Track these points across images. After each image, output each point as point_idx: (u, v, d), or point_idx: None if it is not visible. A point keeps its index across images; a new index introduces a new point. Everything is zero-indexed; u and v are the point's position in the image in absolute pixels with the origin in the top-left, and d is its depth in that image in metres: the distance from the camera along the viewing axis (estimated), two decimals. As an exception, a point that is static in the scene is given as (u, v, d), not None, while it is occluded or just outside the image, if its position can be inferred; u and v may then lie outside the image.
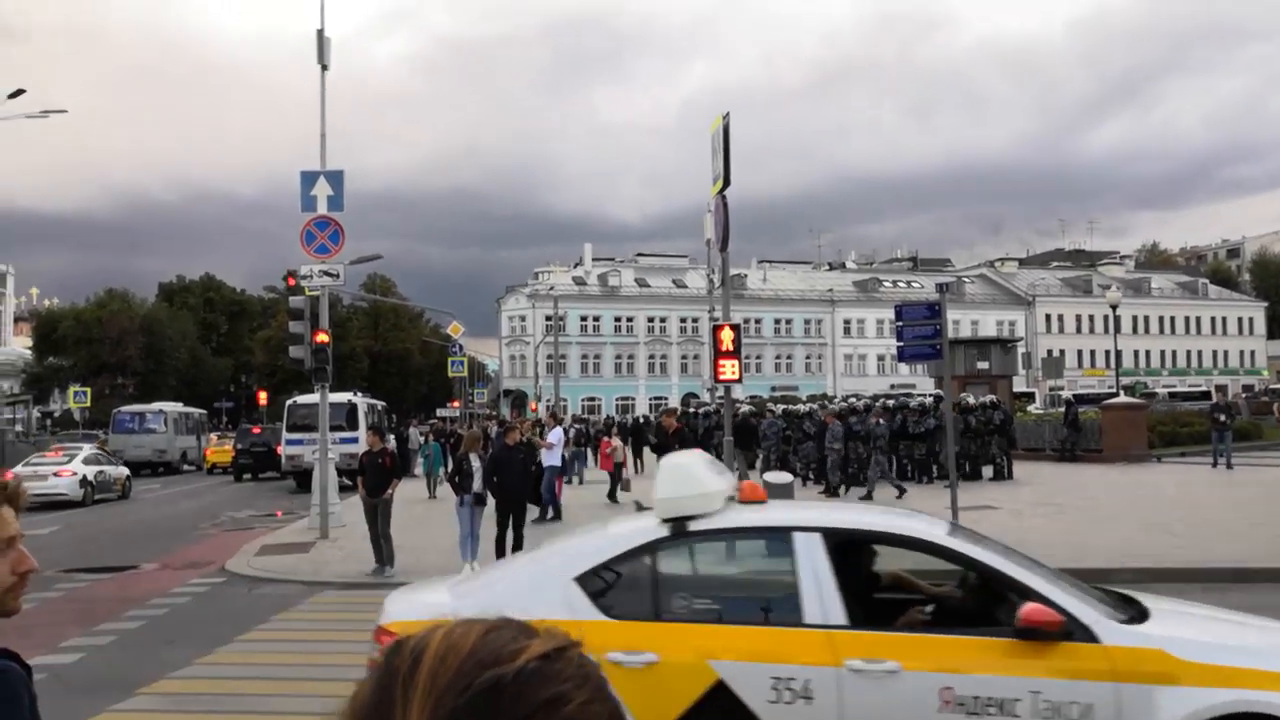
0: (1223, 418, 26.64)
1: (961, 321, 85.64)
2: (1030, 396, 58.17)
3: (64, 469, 28.31)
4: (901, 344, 17.27)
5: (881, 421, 22.71)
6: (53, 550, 17.59)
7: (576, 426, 33.42)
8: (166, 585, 13.81)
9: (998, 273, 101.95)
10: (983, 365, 34.90)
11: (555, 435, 20.62)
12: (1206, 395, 56.00)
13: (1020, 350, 53.96)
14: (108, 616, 11.52)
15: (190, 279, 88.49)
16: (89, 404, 50.93)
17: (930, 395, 31.74)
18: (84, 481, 28.39)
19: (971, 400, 26.22)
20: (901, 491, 20.96)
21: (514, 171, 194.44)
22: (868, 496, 21.09)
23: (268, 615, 11.40)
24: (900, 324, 17.27)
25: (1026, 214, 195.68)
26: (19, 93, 29.12)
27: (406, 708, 0.81)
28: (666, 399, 79.66)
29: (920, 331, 16.98)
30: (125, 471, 32.05)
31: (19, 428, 60.81)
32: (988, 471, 25.12)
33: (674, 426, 16.64)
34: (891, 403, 27.83)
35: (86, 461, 29.43)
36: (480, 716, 0.80)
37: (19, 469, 28.61)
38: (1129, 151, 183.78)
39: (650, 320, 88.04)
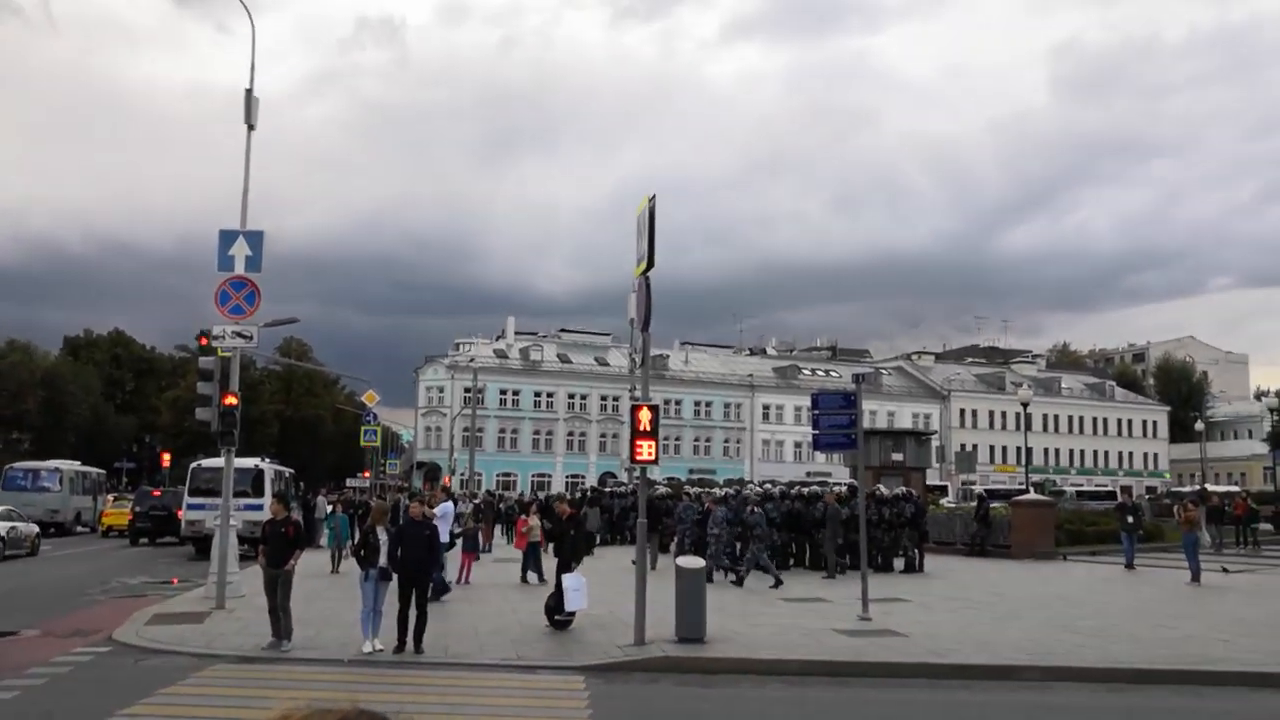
0: (1130, 519, 27.27)
1: (878, 412, 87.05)
2: (943, 489, 59.07)
3: None
4: (817, 432, 17.41)
5: (758, 510, 22.70)
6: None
7: (475, 503, 32.87)
8: (47, 654, 13.10)
9: (915, 365, 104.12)
10: (897, 456, 35.36)
11: (443, 510, 20.29)
12: (1112, 495, 57.46)
13: (934, 443, 54.90)
14: (-20, 685, 10.87)
15: (99, 333, 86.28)
16: (-20, 458, 49.02)
17: (843, 484, 31.97)
18: None
19: (885, 491, 26.45)
20: (778, 582, 20.86)
21: (441, 240, 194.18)
22: (738, 582, 21.08)
23: (153, 689, 10.84)
24: (817, 412, 17.43)
25: (944, 310, 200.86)
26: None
27: None
28: (584, 477, 79.23)
29: (836, 420, 17.15)
30: (35, 529, 31.76)
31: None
32: (899, 564, 25.28)
33: (567, 512, 16.38)
34: (778, 490, 27.99)
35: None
36: None
37: None
38: (1043, 254, 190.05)
39: (571, 396, 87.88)
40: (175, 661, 12.60)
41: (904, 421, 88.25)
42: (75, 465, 46.84)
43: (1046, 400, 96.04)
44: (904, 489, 27.60)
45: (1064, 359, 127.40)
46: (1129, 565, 25.96)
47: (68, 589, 21.41)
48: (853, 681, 11.79)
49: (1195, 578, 22.69)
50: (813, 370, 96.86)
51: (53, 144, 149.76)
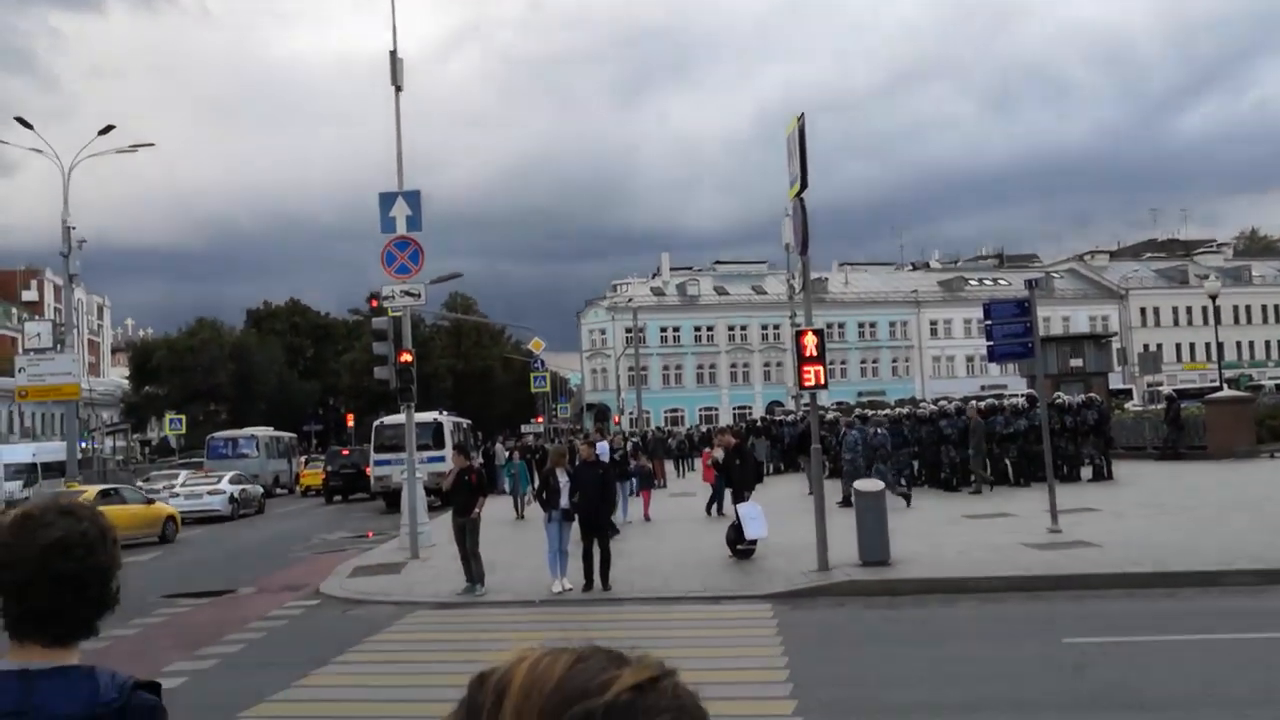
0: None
1: (1052, 318, 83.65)
2: (1127, 393, 56.52)
3: (216, 488, 32.51)
4: (991, 343, 16.87)
5: (881, 431, 22.15)
6: (154, 575, 18.01)
7: (633, 440, 33.10)
8: (263, 609, 13.98)
9: (1088, 266, 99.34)
10: (1076, 362, 33.95)
11: (600, 450, 20.56)
12: (1315, 386, 53.89)
13: (1115, 346, 52.48)
14: (208, 640, 11.67)
15: (276, 304, 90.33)
16: (184, 431, 52.46)
17: (1021, 395, 30.95)
18: (231, 499, 32.25)
19: (1067, 399, 25.48)
20: (908, 501, 20.33)
21: (589, 185, 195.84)
22: (907, 502, 20.53)
23: (362, 637, 11.44)
24: (989, 323, 16.87)
25: (1115, 206, 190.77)
26: (109, 128, 29.99)
27: None
28: (750, 407, 79.18)
29: (1010, 330, 16.56)
30: (260, 490, 36.30)
31: (119, 456, 62.68)
32: (1086, 473, 24.39)
33: (732, 443, 16.23)
34: (953, 406, 27.11)
35: (232, 481, 33.46)
36: None
37: (178, 489, 32.32)
38: (1221, 135, 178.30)
39: (730, 329, 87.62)
40: (379, 610, 13.24)
41: (1080, 326, 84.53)
42: (269, 431, 49.63)
43: (1236, 290, 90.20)
44: (1086, 395, 26.56)
45: (1253, 245, 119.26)
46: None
47: (275, 547, 22.75)
48: (1046, 595, 11.46)
49: None
50: (980, 280, 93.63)
51: (217, 127, 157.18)
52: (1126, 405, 46.90)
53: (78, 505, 1.91)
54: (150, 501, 26.29)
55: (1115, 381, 49.67)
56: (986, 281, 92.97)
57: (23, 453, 42.83)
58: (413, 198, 18.24)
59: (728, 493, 17.25)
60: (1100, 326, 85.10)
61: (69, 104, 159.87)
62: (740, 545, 14.88)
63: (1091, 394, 27.32)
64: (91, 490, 23.54)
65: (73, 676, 1.81)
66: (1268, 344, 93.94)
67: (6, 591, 1.81)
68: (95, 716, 1.78)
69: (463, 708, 0.81)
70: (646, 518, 21.64)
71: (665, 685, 0.79)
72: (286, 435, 52.03)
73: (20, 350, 44.98)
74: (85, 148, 30.40)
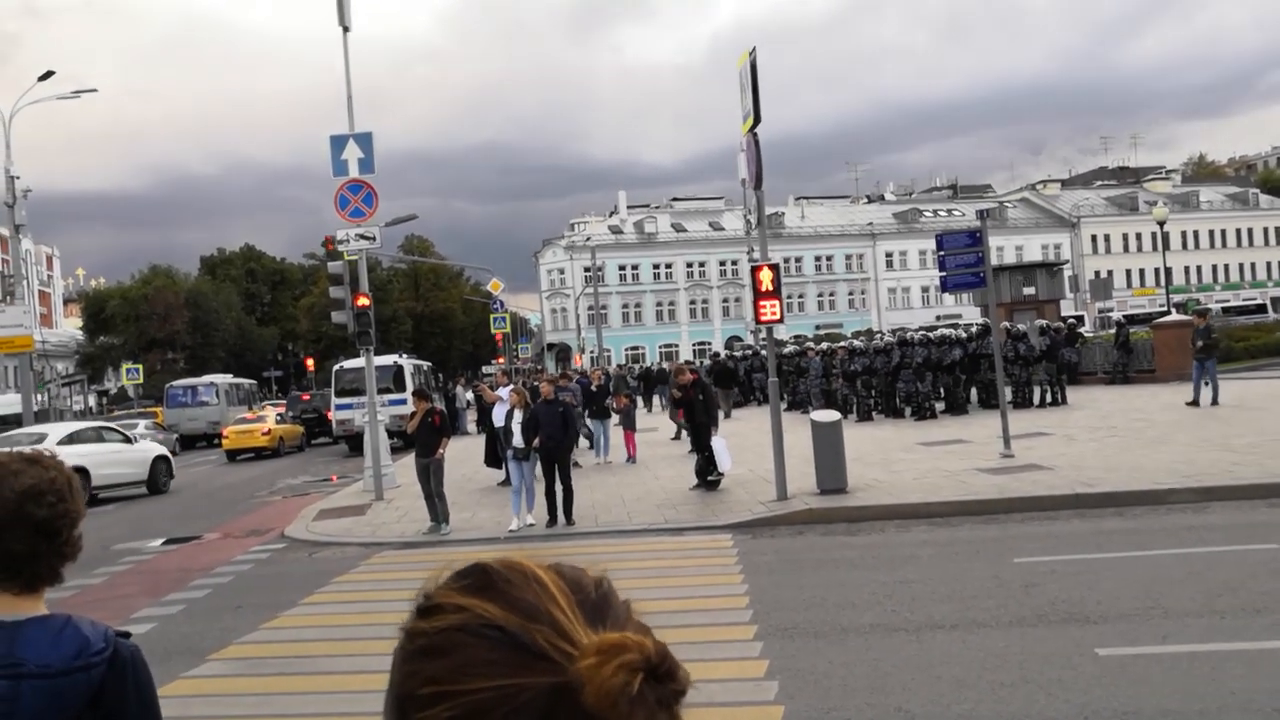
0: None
1: (1005, 248, 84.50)
2: (1079, 319, 57.35)
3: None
4: (944, 274, 17.09)
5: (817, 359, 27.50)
6: (117, 524, 18.00)
7: (618, 375, 33.30)
8: (229, 553, 14.06)
9: (1040, 195, 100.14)
10: (1029, 291, 34.48)
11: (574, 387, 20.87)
12: (1262, 309, 54.98)
13: (1067, 273, 53.13)
14: (175, 586, 11.76)
15: (231, 250, 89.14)
16: (141, 380, 51.95)
17: (975, 324, 31.40)
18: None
19: (1017, 327, 25.91)
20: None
21: (544, 120, 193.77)
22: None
23: (329, 578, 11.57)
24: (942, 253, 17.08)
25: (1067, 133, 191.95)
26: (49, 74, 29.29)
27: None
28: (709, 343, 79.54)
29: (963, 260, 16.79)
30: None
31: (77, 407, 61.98)
32: (1037, 399, 24.89)
33: (689, 379, 16.36)
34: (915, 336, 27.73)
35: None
36: None
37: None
38: (1172, 61, 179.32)
39: (689, 265, 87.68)
40: (345, 552, 13.37)
41: (1033, 254, 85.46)
42: (228, 378, 49.23)
43: (1184, 216, 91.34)
44: (1041, 322, 27.01)
45: (1201, 171, 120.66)
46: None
47: (238, 493, 22.77)
48: (1000, 518, 11.80)
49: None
50: (934, 211, 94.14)
51: (162, 69, 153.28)
52: (1078, 331, 47.61)
53: (42, 455, 1.94)
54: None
55: (1067, 308, 50.39)
56: (941, 213, 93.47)
57: (-23, 406, 42.20)
58: (364, 140, 18.06)
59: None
60: (1053, 255, 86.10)
61: (3, 46, 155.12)
62: (710, 477, 15.15)
63: (1045, 320, 27.79)
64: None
65: (53, 625, 1.80)
66: (1215, 268, 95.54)
67: None
68: (87, 666, 1.77)
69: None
70: (631, 458, 20.69)
71: None
72: (246, 382, 51.66)
73: (-32, 303, 44.09)
74: (24, 94, 29.70)
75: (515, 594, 0.80)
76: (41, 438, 20.11)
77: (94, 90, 32.40)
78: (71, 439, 21.65)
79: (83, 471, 20.02)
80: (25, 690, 1.72)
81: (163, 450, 25.24)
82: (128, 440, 24.03)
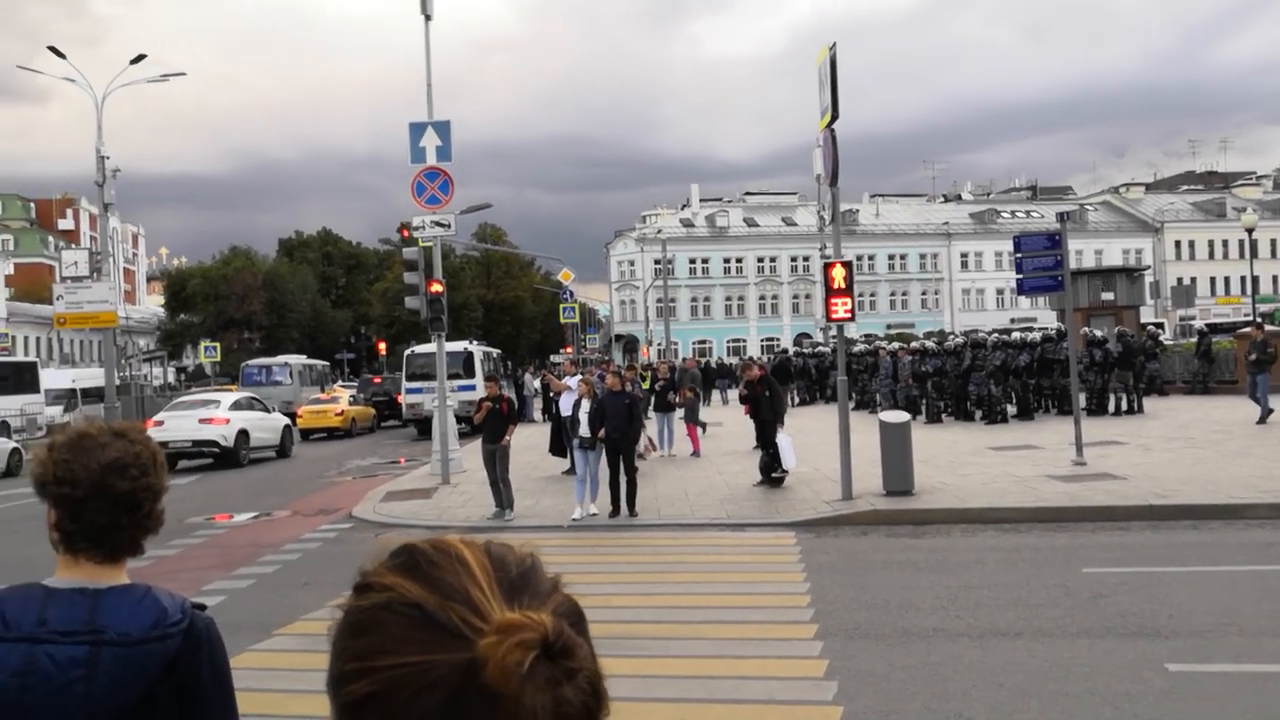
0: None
1: (1084, 251, 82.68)
2: (1159, 327, 55.98)
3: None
4: (1021, 276, 16.82)
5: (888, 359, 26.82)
6: (191, 498, 18.43)
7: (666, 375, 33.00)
8: (298, 531, 14.33)
9: (1123, 199, 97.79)
10: (1107, 296, 33.72)
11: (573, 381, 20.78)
12: (1351, 321, 53.10)
13: (1148, 279, 51.88)
14: (245, 561, 12.02)
15: (308, 234, 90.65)
16: (219, 358, 53.20)
17: (1051, 328, 30.82)
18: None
19: (1095, 333, 25.40)
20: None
21: (618, 113, 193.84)
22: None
23: (394, 559, 11.72)
24: (1019, 255, 16.80)
25: (1153, 135, 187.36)
26: (140, 58, 30.03)
27: None
28: (778, 339, 79.10)
29: (1040, 263, 16.50)
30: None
31: (156, 382, 63.63)
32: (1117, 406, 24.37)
33: (756, 374, 16.28)
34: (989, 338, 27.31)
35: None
36: None
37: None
38: (1265, 63, 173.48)
39: (760, 260, 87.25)
40: (410, 534, 13.36)
41: (1113, 259, 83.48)
42: (302, 359, 50.15)
43: (1274, 223, 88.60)
44: (1119, 329, 26.44)
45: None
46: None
47: (309, 473, 23.18)
48: (1070, 527, 11.58)
49: None
50: (1012, 212, 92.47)
51: (246, 54, 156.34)
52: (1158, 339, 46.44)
53: (129, 428, 1.99)
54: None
55: (1147, 315, 49.19)
56: (1019, 213, 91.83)
57: (63, 378, 43.52)
58: (442, 128, 18.26)
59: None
60: (1134, 260, 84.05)
61: (99, 30, 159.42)
62: (775, 473, 15.10)
63: (1123, 327, 27.18)
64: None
65: (134, 594, 1.84)
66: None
67: (64, 508, 1.85)
68: (164, 636, 1.80)
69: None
70: (696, 453, 20.61)
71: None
72: (319, 363, 52.58)
73: (58, 278, 45.47)
74: (117, 77, 30.49)
75: (436, 574, 0.83)
76: (217, 403, 25.36)
77: (182, 74, 33.21)
78: (236, 406, 25.55)
79: (245, 434, 24.70)
80: (105, 657, 1.75)
81: (287, 421, 28.77)
82: (267, 411, 27.38)
